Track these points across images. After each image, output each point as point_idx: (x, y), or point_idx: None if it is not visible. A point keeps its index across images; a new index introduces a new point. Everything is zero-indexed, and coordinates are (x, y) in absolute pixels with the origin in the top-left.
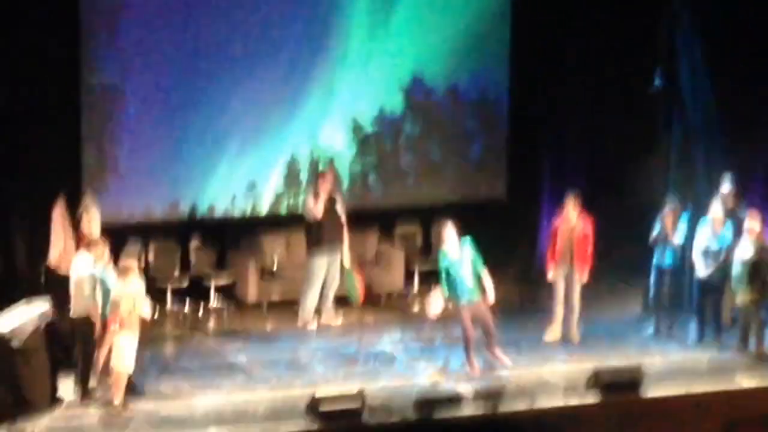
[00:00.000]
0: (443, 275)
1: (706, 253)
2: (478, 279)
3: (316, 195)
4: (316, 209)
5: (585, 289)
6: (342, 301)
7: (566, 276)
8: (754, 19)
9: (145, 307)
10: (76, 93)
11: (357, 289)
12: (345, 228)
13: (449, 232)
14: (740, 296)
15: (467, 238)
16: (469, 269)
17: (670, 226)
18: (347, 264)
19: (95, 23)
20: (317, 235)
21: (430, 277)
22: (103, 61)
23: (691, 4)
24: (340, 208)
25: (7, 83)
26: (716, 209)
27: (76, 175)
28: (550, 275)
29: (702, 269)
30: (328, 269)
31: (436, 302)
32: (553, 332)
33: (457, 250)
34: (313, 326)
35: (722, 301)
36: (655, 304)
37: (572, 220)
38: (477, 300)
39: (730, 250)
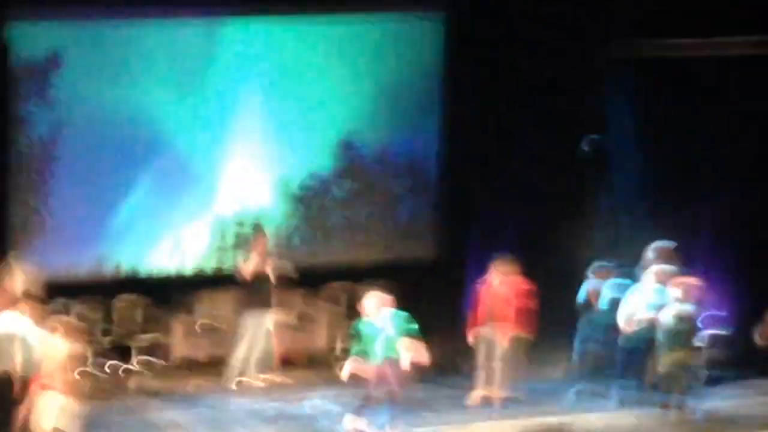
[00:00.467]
0: (358, 338)
1: (636, 313)
2: (395, 345)
3: (249, 255)
4: (248, 270)
5: (509, 351)
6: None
7: (489, 339)
8: (683, 87)
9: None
10: (3, 148)
11: (273, 351)
12: (274, 289)
13: (379, 300)
14: (664, 359)
15: (400, 312)
16: (389, 338)
17: (595, 290)
18: (270, 326)
19: (26, 77)
20: (248, 295)
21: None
22: (34, 116)
23: (622, 73)
24: (270, 269)
25: None
26: (654, 269)
27: (1, 232)
28: (471, 338)
29: (629, 329)
30: (256, 329)
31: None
32: (476, 395)
33: (383, 318)
34: (235, 386)
35: (646, 364)
36: (579, 366)
37: (496, 283)
38: (389, 361)
39: (656, 312)
